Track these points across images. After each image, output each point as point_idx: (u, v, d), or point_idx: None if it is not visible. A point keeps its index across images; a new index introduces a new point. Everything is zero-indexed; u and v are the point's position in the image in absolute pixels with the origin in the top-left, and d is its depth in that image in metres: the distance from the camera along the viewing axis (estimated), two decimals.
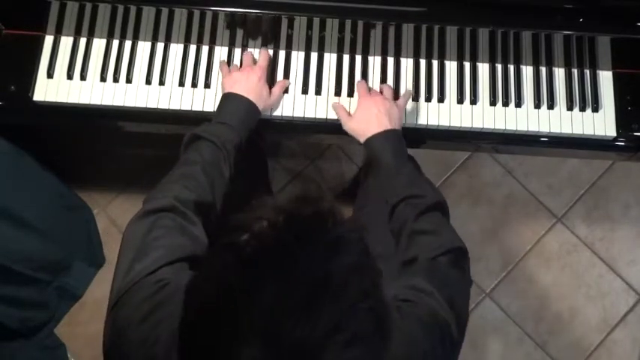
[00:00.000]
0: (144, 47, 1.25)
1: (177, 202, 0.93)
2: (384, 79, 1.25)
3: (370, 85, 1.24)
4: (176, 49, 1.26)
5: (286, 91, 1.24)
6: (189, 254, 0.86)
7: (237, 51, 1.26)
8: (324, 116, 1.23)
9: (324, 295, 0.55)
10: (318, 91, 1.24)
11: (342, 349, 0.54)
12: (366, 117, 1.13)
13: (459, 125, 1.24)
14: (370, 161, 1.12)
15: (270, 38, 1.26)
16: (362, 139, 1.13)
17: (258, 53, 1.24)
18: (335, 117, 1.23)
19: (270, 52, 1.26)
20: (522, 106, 1.25)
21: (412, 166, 1.11)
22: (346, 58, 1.26)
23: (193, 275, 0.61)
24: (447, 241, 0.98)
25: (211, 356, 0.56)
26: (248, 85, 1.14)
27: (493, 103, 1.25)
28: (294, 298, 0.54)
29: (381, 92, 1.21)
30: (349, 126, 1.16)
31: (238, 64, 1.24)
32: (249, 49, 1.25)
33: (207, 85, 1.24)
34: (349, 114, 1.18)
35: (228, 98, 1.13)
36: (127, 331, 0.78)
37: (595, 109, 1.25)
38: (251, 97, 1.13)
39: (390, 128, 1.11)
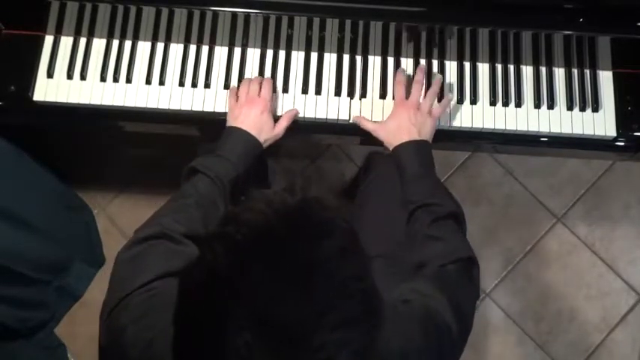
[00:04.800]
0: (144, 47, 1.25)
1: (167, 230, 0.94)
2: (384, 79, 1.25)
3: (370, 84, 1.24)
4: (176, 49, 1.26)
5: (286, 91, 1.24)
6: (181, 269, 0.87)
7: (237, 51, 1.26)
8: (324, 116, 1.23)
9: (313, 277, 0.56)
10: (318, 91, 1.24)
11: (332, 330, 0.55)
12: (397, 126, 1.15)
13: (459, 125, 1.24)
14: (397, 168, 1.14)
15: (270, 38, 1.26)
16: (390, 147, 1.15)
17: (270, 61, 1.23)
18: (334, 117, 1.23)
19: (270, 52, 1.26)
20: (522, 106, 1.25)
21: (436, 177, 1.13)
22: (346, 58, 1.26)
23: (186, 267, 0.62)
24: (457, 250, 1.00)
25: (205, 343, 0.57)
26: (249, 119, 1.15)
27: (493, 103, 1.25)
28: (283, 282, 0.55)
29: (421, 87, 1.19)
30: (379, 133, 1.18)
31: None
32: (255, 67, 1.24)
33: (207, 85, 1.24)
34: (375, 122, 1.19)
35: (229, 132, 1.14)
36: (122, 333, 0.79)
37: (595, 109, 1.25)
38: (252, 131, 1.14)
39: (419, 139, 1.13)
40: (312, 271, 0.56)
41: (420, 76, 1.20)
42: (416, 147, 1.12)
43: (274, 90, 1.23)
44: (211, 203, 1.03)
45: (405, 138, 1.13)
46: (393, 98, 1.23)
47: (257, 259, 0.56)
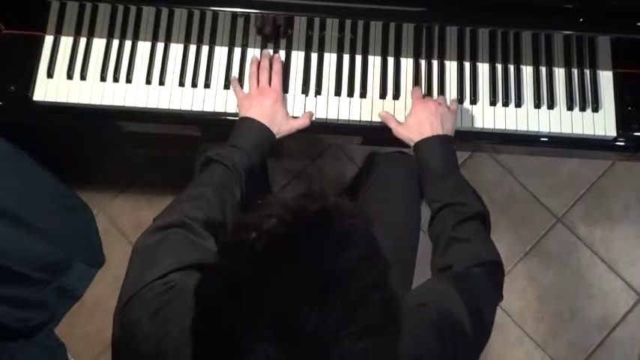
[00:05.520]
0: (144, 47, 1.25)
1: (187, 219, 0.94)
2: (384, 79, 1.25)
3: (370, 84, 1.24)
4: (176, 49, 1.26)
5: (286, 91, 1.24)
6: (199, 262, 0.87)
7: (237, 51, 1.26)
8: (324, 116, 1.23)
9: (335, 287, 0.55)
10: (318, 91, 1.24)
11: (355, 340, 0.54)
12: (419, 122, 1.14)
13: (459, 125, 1.24)
14: (418, 165, 1.13)
15: (270, 38, 1.26)
16: (412, 144, 1.14)
17: (273, 61, 1.22)
18: (334, 117, 1.23)
19: (270, 51, 1.26)
20: (522, 106, 1.25)
21: (460, 174, 1.12)
22: (346, 58, 1.26)
23: (202, 275, 0.61)
24: (482, 253, 1.00)
25: (226, 353, 0.56)
26: (262, 109, 1.15)
27: (493, 103, 1.25)
28: (305, 292, 0.54)
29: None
30: (401, 133, 1.17)
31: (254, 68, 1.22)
32: (265, 51, 1.24)
33: (207, 85, 1.24)
34: (399, 121, 1.19)
35: (242, 122, 1.14)
36: (136, 327, 0.79)
37: (595, 109, 1.25)
38: (265, 121, 1.13)
39: (442, 134, 1.12)
40: (332, 280, 0.55)
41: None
42: (440, 142, 1.11)
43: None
44: (228, 190, 1.04)
45: (428, 133, 1.12)
46: (394, 98, 1.24)
47: (276, 267, 0.56)
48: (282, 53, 1.26)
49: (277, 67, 1.21)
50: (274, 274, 0.55)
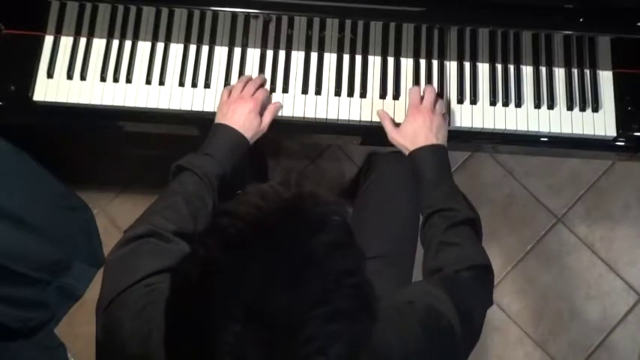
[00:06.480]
0: (144, 47, 1.26)
1: (158, 229, 0.95)
2: (384, 79, 1.25)
3: (370, 84, 1.24)
4: (176, 49, 1.26)
5: (286, 91, 1.24)
6: (174, 266, 0.88)
7: (237, 51, 1.26)
8: (324, 116, 1.23)
9: (307, 270, 0.56)
10: (318, 91, 1.24)
11: (323, 322, 0.55)
12: (413, 131, 1.14)
13: (459, 125, 1.24)
14: (413, 173, 1.14)
15: (270, 38, 1.26)
16: (406, 152, 1.15)
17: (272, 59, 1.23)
18: (334, 117, 1.23)
19: (270, 52, 1.26)
20: (522, 106, 1.25)
21: (452, 182, 1.12)
22: (346, 58, 1.26)
23: (179, 261, 0.62)
24: (472, 257, 1.00)
25: (196, 336, 0.57)
26: (237, 117, 1.14)
27: (493, 103, 1.25)
28: (277, 274, 0.56)
29: (432, 94, 1.19)
30: (394, 138, 1.17)
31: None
32: (262, 75, 1.24)
33: (207, 85, 1.24)
34: (395, 124, 1.18)
35: (217, 129, 1.14)
36: (120, 327, 0.80)
37: (595, 109, 1.25)
38: (240, 129, 1.13)
39: (436, 143, 1.12)
40: (304, 264, 0.56)
41: (432, 86, 1.21)
42: (433, 151, 1.12)
43: (274, 91, 1.23)
44: (199, 200, 1.03)
45: (421, 142, 1.12)
46: (394, 98, 1.24)
47: (251, 252, 0.57)
48: (282, 53, 1.26)
49: (265, 87, 1.22)
50: (248, 258, 0.56)
